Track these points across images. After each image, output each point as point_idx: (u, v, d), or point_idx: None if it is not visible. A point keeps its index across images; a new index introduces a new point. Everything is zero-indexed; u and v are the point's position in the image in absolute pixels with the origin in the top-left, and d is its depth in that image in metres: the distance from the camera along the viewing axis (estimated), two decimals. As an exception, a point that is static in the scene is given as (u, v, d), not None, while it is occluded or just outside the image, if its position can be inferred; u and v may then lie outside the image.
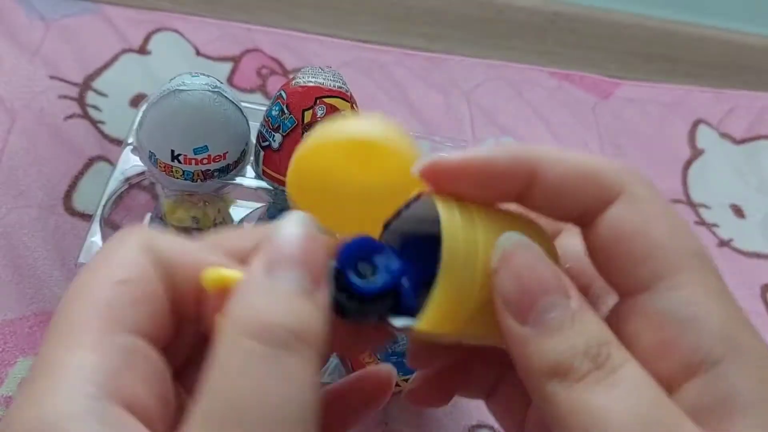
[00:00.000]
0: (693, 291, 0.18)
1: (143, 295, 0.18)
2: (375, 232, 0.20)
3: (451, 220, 0.19)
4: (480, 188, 0.20)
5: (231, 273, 0.18)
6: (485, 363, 0.24)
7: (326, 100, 0.45)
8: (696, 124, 0.75)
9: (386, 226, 0.20)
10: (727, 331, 0.18)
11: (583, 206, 0.19)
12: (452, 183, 0.20)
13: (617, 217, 0.19)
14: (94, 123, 0.61)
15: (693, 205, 0.68)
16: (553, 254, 0.21)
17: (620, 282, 0.19)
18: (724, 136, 0.75)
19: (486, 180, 0.19)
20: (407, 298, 0.19)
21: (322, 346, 0.17)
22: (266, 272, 0.17)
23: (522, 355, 0.18)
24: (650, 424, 0.16)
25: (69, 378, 0.16)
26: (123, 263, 0.18)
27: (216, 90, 0.46)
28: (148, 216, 0.52)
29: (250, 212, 0.52)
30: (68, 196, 0.56)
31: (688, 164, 0.72)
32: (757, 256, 0.65)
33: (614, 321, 0.19)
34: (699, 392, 0.17)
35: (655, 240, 0.18)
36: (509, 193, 0.20)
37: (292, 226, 0.18)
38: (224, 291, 0.18)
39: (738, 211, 0.69)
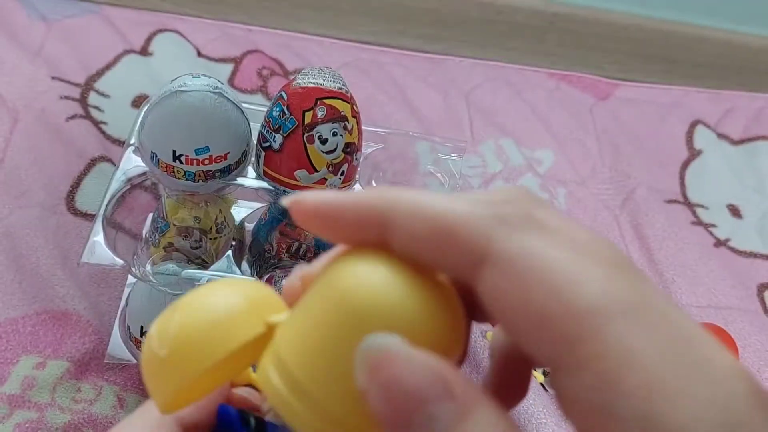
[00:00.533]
0: (602, 374, 0.14)
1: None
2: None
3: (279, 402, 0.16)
4: (336, 232, 0.18)
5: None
6: None
7: (326, 101, 0.46)
8: (694, 124, 0.76)
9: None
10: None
11: (447, 268, 0.17)
12: (311, 223, 0.18)
13: (488, 288, 0.15)
14: (96, 123, 0.61)
15: (690, 205, 0.69)
16: (452, 329, 0.17)
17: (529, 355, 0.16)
18: (722, 136, 0.75)
19: (340, 226, 0.18)
20: None
21: None
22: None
23: None
24: None
25: None
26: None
27: (217, 91, 0.47)
28: (150, 216, 0.52)
29: (251, 212, 0.52)
30: (70, 196, 0.56)
31: (685, 165, 0.72)
32: (754, 255, 0.66)
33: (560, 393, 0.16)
34: None
35: (538, 308, 0.14)
36: (367, 240, 0.17)
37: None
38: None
39: (735, 211, 0.69)
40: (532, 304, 0.14)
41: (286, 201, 0.18)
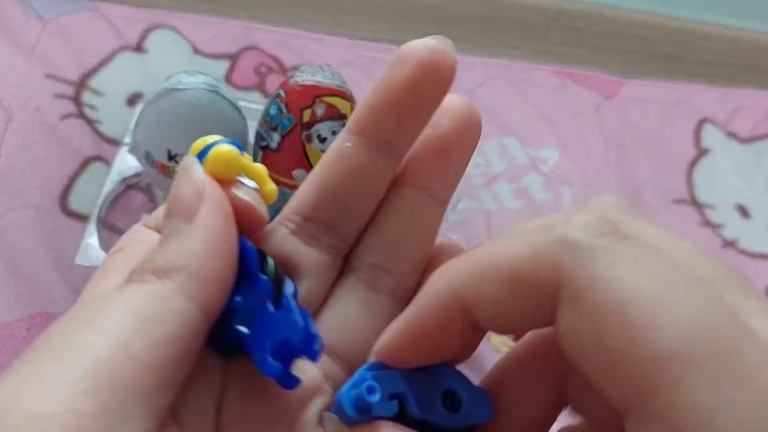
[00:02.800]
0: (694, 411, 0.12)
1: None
2: None
3: None
4: (432, 350, 0.17)
5: None
6: None
7: (325, 99, 0.44)
8: (701, 123, 0.74)
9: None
10: None
11: (535, 322, 0.15)
12: (410, 362, 0.17)
13: (563, 330, 0.14)
14: (91, 122, 0.60)
15: (698, 206, 0.67)
16: None
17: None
18: (730, 135, 0.74)
19: (432, 343, 0.17)
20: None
21: (180, 273, 0.17)
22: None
23: None
24: None
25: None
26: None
27: (213, 89, 0.46)
28: (144, 217, 0.51)
29: (249, 213, 0.51)
30: (64, 196, 0.55)
31: (693, 164, 0.71)
32: (763, 257, 0.64)
33: None
34: None
35: (612, 350, 0.13)
36: (459, 341, 0.17)
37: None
38: None
39: (744, 212, 0.68)
40: (606, 346, 0.13)
41: (374, 355, 0.18)
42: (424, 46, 0.19)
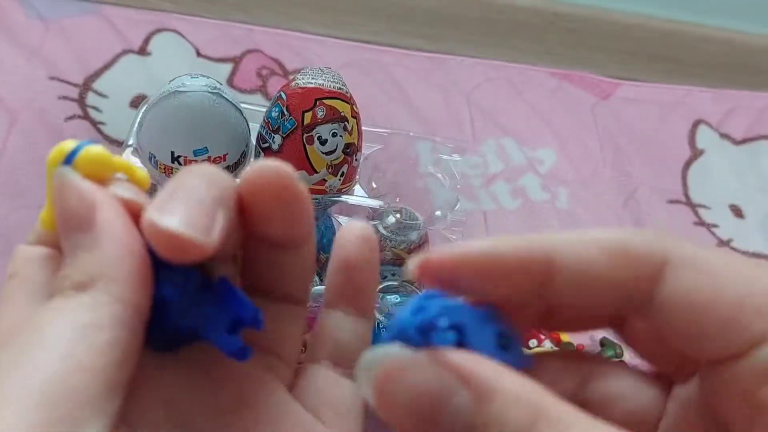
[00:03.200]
0: None
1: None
2: None
3: None
4: (484, 287, 0.17)
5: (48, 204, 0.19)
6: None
7: (326, 101, 0.45)
8: (696, 124, 0.75)
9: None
10: None
11: (618, 293, 0.16)
12: (450, 282, 0.17)
13: (680, 289, 0.16)
14: (95, 124, 0.61)
15: (692, 206, 0.68)
16: None
17: (705, 354, 0.16)
18: (724, 136, 0.75)
19: (492, 279, 0.17)
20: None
21: (102, 281, 0.17)
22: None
23: None
24: None
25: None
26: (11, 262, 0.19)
27: (216, 91, 0.46)
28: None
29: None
30: (68, 197, 0.56)
31: (687, 164, 0.72)
32: (757, 256, 0.65)
33: (707, 394, 0.16)
34: None
35: (741, 299, 0.15)
36: (520, 291, 0.17)
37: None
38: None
39: (737, 212, 0.69)
40: (726, 298, 0.15)
41: (412, 265, 0.17)
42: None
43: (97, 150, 0.18)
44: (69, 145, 0.18)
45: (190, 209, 0.16)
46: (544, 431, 0.14)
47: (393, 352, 0.15)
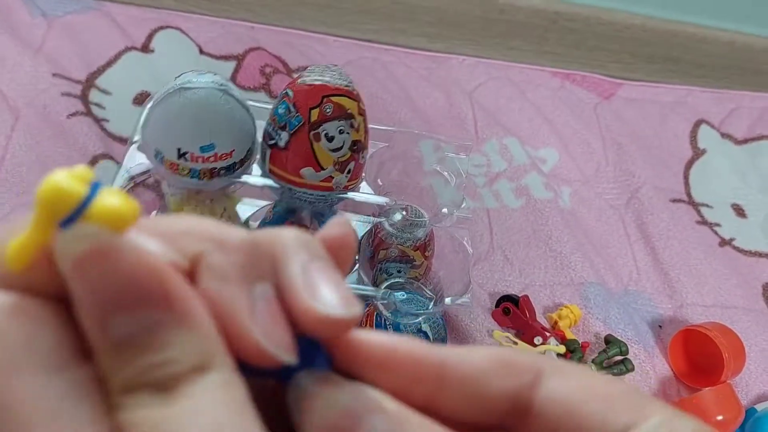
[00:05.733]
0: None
1: (26, 330, 0.15)
2: None
3: None
4: (385, 376, 0.18)
5: (23, 237, 0.15)
6: None
7: (333, 98, 0.45)
8: (698, 124, 0.75)
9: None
10: None
11: (503, 398, 0.18)
12: (366, 366, 0.18)
13: (556, 392, 0.18)
14: (98, 121, 0.61)
15: (694, 205, 0.68)
16: None
17: None
18: (726, 136, 0.75)
19: (392, 370, 0.18)
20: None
21: (218, 357, 0.15)
22: (100, 329, 0.15)
23: None
24: None
25: None
26: None
27: (222, 88, 0.46)
28: (153, 215, 0.51)
29: (257, 210, 0.52)
30: (72, 194, 0.55)
31: (689, 164, 0.72)
32: (759, 255, 0.66)
33: None
34: None
35: (608, 396, 0.18)
36: (416, 389, 0.18)
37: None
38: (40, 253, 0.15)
39: (739, 211, 0.69)
40: (594, 397, 0.18)
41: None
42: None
43: (121, 201, 0.14)
44: (68, 189, 0.14)
45: (338, 290, 0.16)
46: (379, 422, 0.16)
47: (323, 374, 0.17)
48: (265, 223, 0.51)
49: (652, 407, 0.17)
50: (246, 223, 0.52)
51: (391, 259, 0.49)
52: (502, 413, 0.18)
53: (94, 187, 0.14)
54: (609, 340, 0.55)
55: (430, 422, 0.16)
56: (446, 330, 0.50)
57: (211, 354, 0.15)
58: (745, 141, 0.75)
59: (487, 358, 0.18)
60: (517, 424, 0.18)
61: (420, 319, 0.46)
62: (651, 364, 0.55)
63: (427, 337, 0.46)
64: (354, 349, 0.17)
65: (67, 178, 0.14)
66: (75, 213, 0.14)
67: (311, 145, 0.45)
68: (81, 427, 0.14)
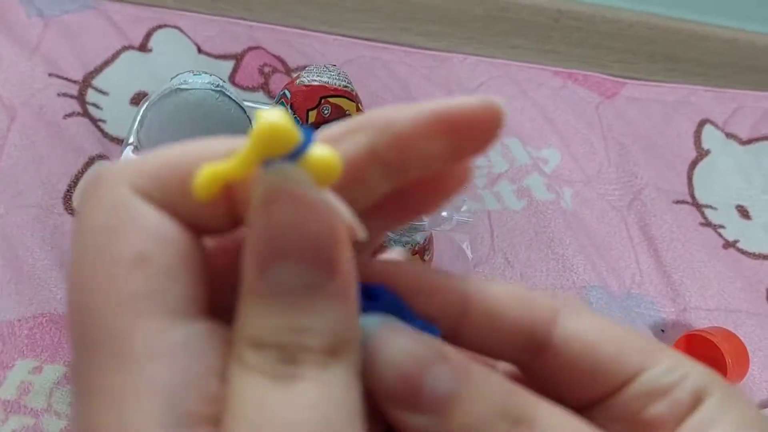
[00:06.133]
0: (686, 368, 0.17)
1: (172, 263, 0.15)
2: None
3: None
4: (414, 297, 0.18)
5: (221, 167, 0.15)
6: None
7: (331, 99, 0.45)
8: (702, 124, 0.74)
9: None
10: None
11: (522, 332, 0.18)
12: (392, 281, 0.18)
13: (573, 330, 0.18)
14: (95, 121, 0.60)
15: (698, 206, 0.68)
16: None
17: (597, 387, 0.18)
18: (730, 136, 0.74)
19: (421, 292, 0.18)
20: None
21: (353, 348, 0.15)
22: (259, 272, 0.14)
23: None
24: None
25: (139, 409, 0.14)
26: (128, 230, 0.15)
27: (218, 89, 0.46)
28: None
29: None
30: (68, 195, 0.55)
31: (693, 165, 0.71)
32: (763, 257, 0.65)
33: None
34: None
35: (622, 338, 0.18)
36: (442, 314, 0.18)
37: (279, 190, 0.14)
38: (225, 189, 0.15)
39: (743, 213, 0.68)
40: (609, 338, 0.18)
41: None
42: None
43: (333, 158, 0.14)
44: (290, 131, 0.14)
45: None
46: (519, 400, 0.16)
47: (381, 322, 0.16)
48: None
49: (664, 352, 0.18)
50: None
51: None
52: (518, 347, 0.18)
53: (308, 135, 0.14)
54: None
55: (490, 370, 0.16)
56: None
57: (347, 341, 0.15)
58: (750, 141, 0.74)
59: (507, 291, 0.18)
60: (533, 361, 0.18)
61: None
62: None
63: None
64: (389, 277, 0.17)
65: (289, 120, 0.14)
66: (290, 155, 0.14)
67: (309, 147, 0.45)
68: (190, 376, 0.14)
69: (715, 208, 0.68)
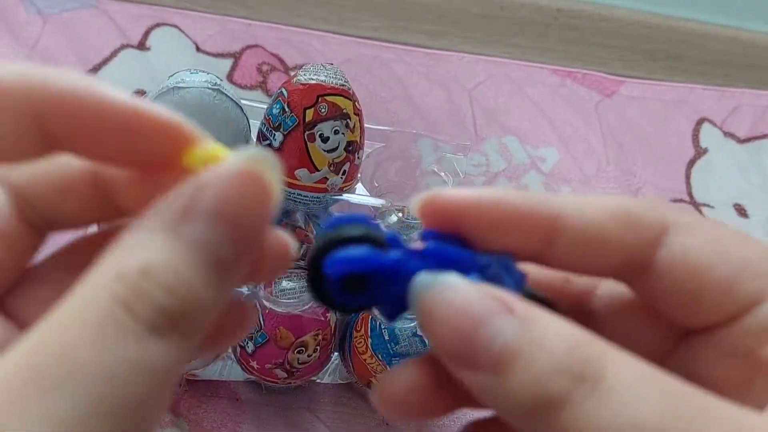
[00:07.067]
0: None
1: None
2: None
3: None
4: (489, 235, 0.17)
5: (221, 152, 0.16)
6: None
7: (328, 98, 0.45)
8: (700, 122, 0.75)
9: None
10: None
11: (621, 253, 0.17)
12: (453, 224, 0.17)
13: (681, 252, 0.16)
14: (93, 120, 0.60)
15: (696, 205, 0.68)
16: None
17: (701, 318, 0.16)
18: (728, 134, 0.74)
19: (499, 228, 0.17)
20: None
21: (199, 336, 0.14)
22: (176, 222, 0.14)
23: (494, 404, 0.15)
24: (665, 427, 0.13)
25: None
26: None
27: (216, 87, 0.46)
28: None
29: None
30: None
31: (691, 163, 0.71)
32: (761, 256, 0.65)
33: (688, 361, 0.17)
34: None
35: (740, 260, 0.16)
36: (524, 245, 0.17)
37: (235, 164, 0.15)
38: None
39: (741, 211, 0.68)
40: (725, 260, 0.16)
41: (417, 201, 0.17)
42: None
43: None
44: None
45: None
46: (584, 354, 0.14)
47: (444, 276, 0.16)
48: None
49: None
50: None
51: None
52: (616, 267, 0.17)
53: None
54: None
55: (555, 317, 0.15)
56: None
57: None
58: (748, 140, 0.74)
59: (608, 211, 0.17)
60: (633, 279, 0.17)
61: (415, 323, 0.45)
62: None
63: (423, 342, 0.45)
64: (465, 208, 0.17)
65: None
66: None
67: (306, 145, 0.45)
68: None
69: (712, 207, 0.68)
